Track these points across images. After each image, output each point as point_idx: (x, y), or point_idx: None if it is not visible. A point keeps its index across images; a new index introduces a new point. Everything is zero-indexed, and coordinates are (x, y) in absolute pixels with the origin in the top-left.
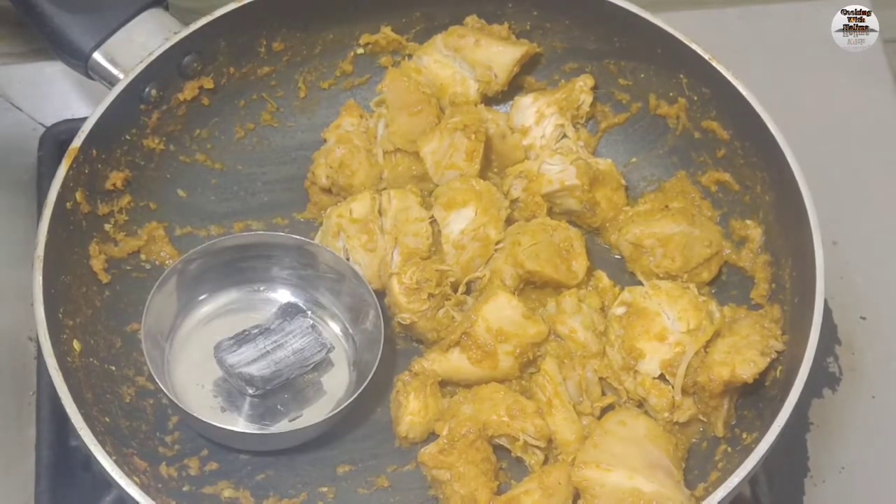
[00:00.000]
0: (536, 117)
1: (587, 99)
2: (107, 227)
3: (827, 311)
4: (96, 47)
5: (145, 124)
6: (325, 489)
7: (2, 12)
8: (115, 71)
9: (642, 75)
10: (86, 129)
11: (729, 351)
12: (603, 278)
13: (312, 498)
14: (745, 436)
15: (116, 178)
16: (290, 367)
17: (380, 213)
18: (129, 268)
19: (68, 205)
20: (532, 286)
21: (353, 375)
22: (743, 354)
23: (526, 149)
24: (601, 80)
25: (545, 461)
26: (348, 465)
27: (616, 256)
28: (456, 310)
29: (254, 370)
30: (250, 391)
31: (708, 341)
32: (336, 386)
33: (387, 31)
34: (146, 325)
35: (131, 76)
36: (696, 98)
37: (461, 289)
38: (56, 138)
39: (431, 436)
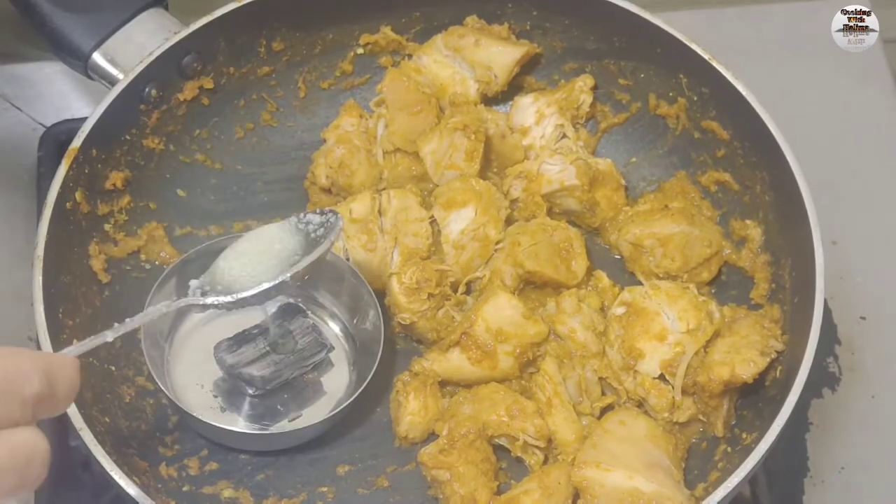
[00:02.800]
0: (536, 117)
1: (587, 99)
2: (106, 226)
3: (827, 311)
4: (96, 47)
5: (145, 124)
6: (325, 489)
7: (2, 12)
8: (114, 71)
9: (642, 75)
10: (86, 129)
11: (729, 351)
12: (603, 278)
13: (312, 498)
14: (744, 436)
15: (116, 178)
16: (290, 367)
17: (379, 213)
18: (128, 268)
19: (68, 205)
20: (532, 286)
21: (353, 375)
22: (743, 354)
23: (526, 149)
24: (601, 80)
25: (545, 461)
26: (348, 465)
27: (616, 256)
28: (456, 310)
29: (254, 370)
30: (250, 391)
31: (708, 341)
32: (336, 386)
33: (387, 31)
34: (146, 325)
35: (131, 76)
36: (695, 98)
37: (461, 289)
38: (56, 138)
39: (431, 436)
